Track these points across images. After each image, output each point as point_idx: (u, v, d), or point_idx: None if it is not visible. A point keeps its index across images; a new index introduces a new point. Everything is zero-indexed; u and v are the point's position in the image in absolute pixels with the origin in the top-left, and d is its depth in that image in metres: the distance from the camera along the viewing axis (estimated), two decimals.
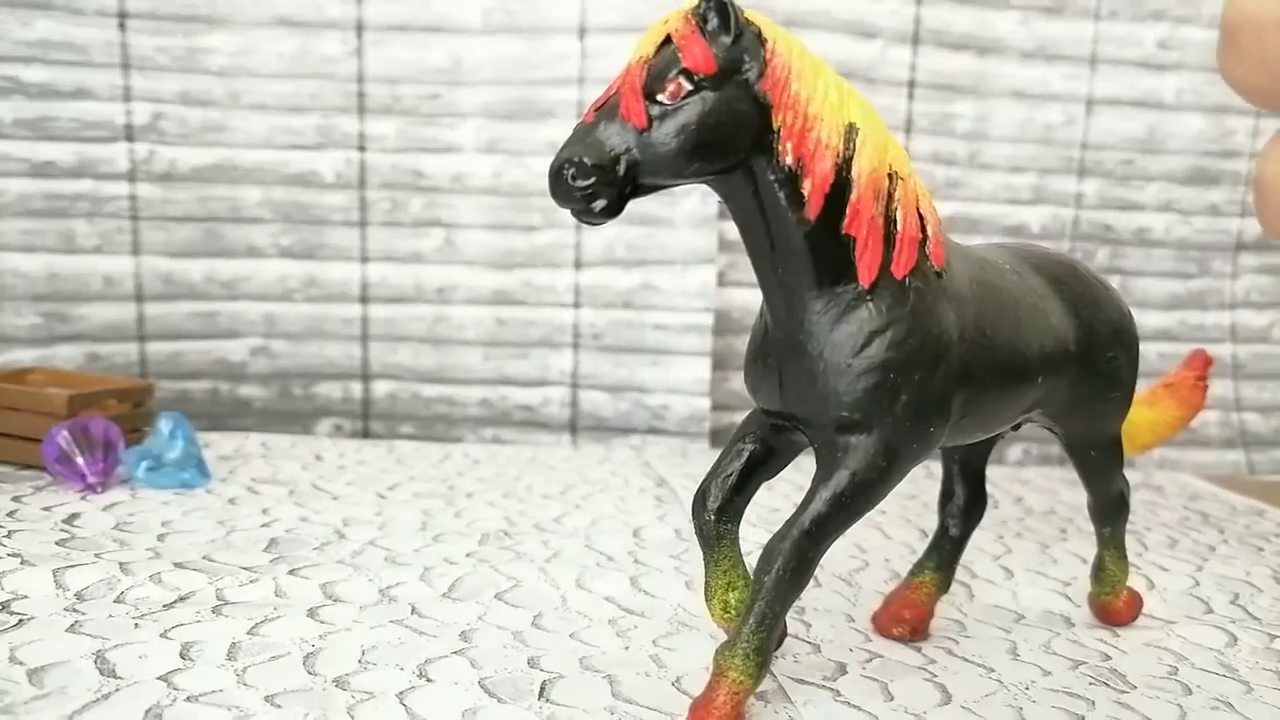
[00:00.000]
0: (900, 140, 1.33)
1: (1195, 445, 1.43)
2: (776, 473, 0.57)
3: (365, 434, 1.30)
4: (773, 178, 0.49)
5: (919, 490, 1.08)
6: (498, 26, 1.24)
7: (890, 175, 0.51)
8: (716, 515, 0.56)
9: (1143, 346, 1.36)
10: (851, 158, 0.49)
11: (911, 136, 1.33)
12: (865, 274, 0.50)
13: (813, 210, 0.49)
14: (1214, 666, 0.66)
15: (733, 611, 0.56)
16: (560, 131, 1.25)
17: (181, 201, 1.24)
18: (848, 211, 0.49)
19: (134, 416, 1.01)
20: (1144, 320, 1.41)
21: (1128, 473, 1.11)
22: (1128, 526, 0.98)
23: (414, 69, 1.25)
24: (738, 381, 1.29)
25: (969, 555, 0.85)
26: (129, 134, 1.22)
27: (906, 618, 0.67)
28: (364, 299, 1.29)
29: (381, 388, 1.30)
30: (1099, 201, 1.38)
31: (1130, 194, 1.39)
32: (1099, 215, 1.39)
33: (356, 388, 1.30)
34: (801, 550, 0.50)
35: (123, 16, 1.20)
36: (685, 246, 1.26)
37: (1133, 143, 1.37)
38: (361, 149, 1.26)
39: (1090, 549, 0.72)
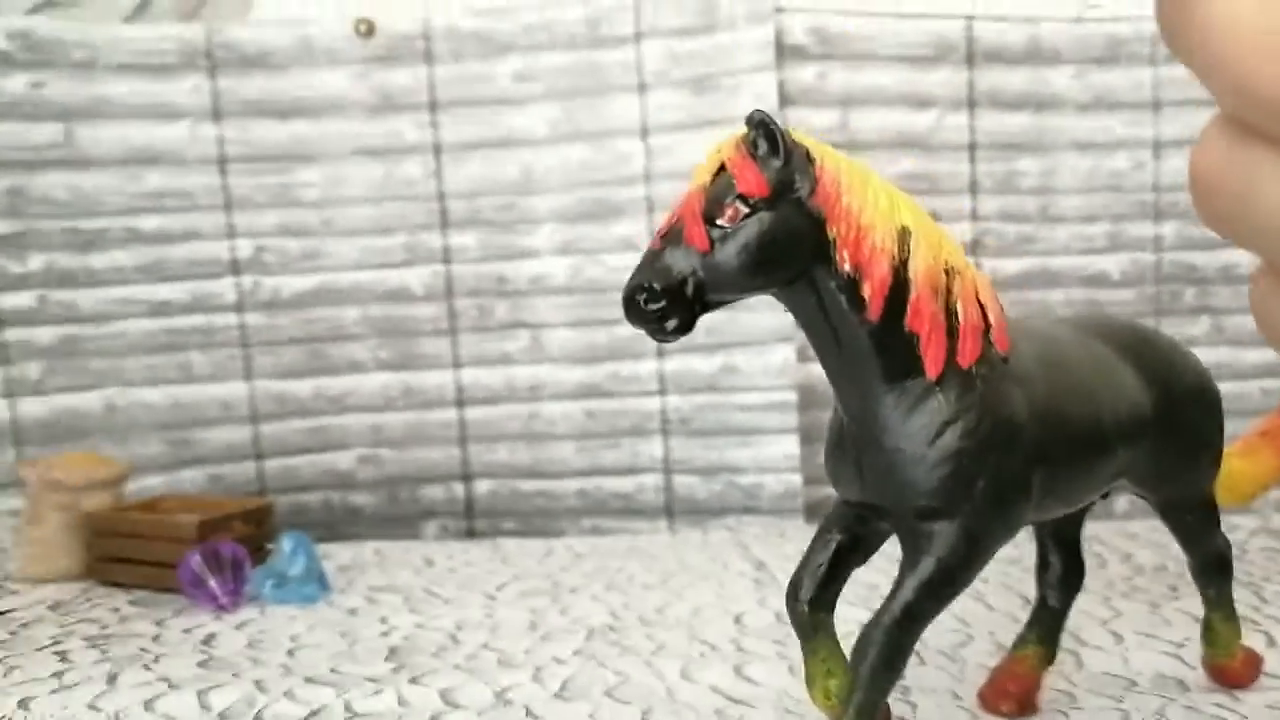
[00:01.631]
0: (968, 202, 1.35)
1: None
2: (865, 560, 0.59)
3: (470, 533, 1.35)
4: (833, 284, 0.51)
5: (1021, 554, 1.06)
6: (564, 135, 1.31)
7: (947, 271, 0.53)
8: (810, 606, 0.57)
9: (1244, 385, 1.35)
10: (907, 259, 0.52)
11: (978, 198, 1.34)
12: (932, 366, 0.52)
13: (874, 311, 0.51)
14: None
15: (834, 698, 0.57)
16: (630, 228, 1.30)
17: (286, 326, 1.33)
18: (909, 309, 0.52)
19: (258, 536, 1.08)
20: (1241, 358, 1.38)
21: (1246, 519, 1.08)
22: (1244, 577, 0.96)
23: (489, 182, 1.32)
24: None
25: (1076, 621, 0.84)
26: (235, 268, 1.32)
27: (1012, 692, 0.67)
28: (459, 403, 1.35)
29: (482, 486, 1.35)
30: (1179, 243, 1.37)
31: (1210, 232, 1.37)
32: (1181, 256, 1.37)
33: (459, 488, 1.35)
34: (893, 639, 0.52)
35: (223, 161, 1.30)
36: (763, 326, 1.29)
37: None
38: (446, 261, 1.33)
39: (1202, 606, 0.71)
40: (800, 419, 1.30)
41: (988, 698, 0.67)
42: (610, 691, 0.73)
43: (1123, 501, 1.35)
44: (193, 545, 0.98)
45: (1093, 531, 1.17)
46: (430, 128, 1.32)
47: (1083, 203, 1.35)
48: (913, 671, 0.74)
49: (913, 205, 0.53)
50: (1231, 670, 0.70)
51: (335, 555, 1.16)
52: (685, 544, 1.19)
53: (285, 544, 0.99)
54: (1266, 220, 0.17)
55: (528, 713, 0.70)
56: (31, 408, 1.27)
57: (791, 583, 0.58)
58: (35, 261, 1.25)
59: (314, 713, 0.70)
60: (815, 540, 0.59)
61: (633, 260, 0.54)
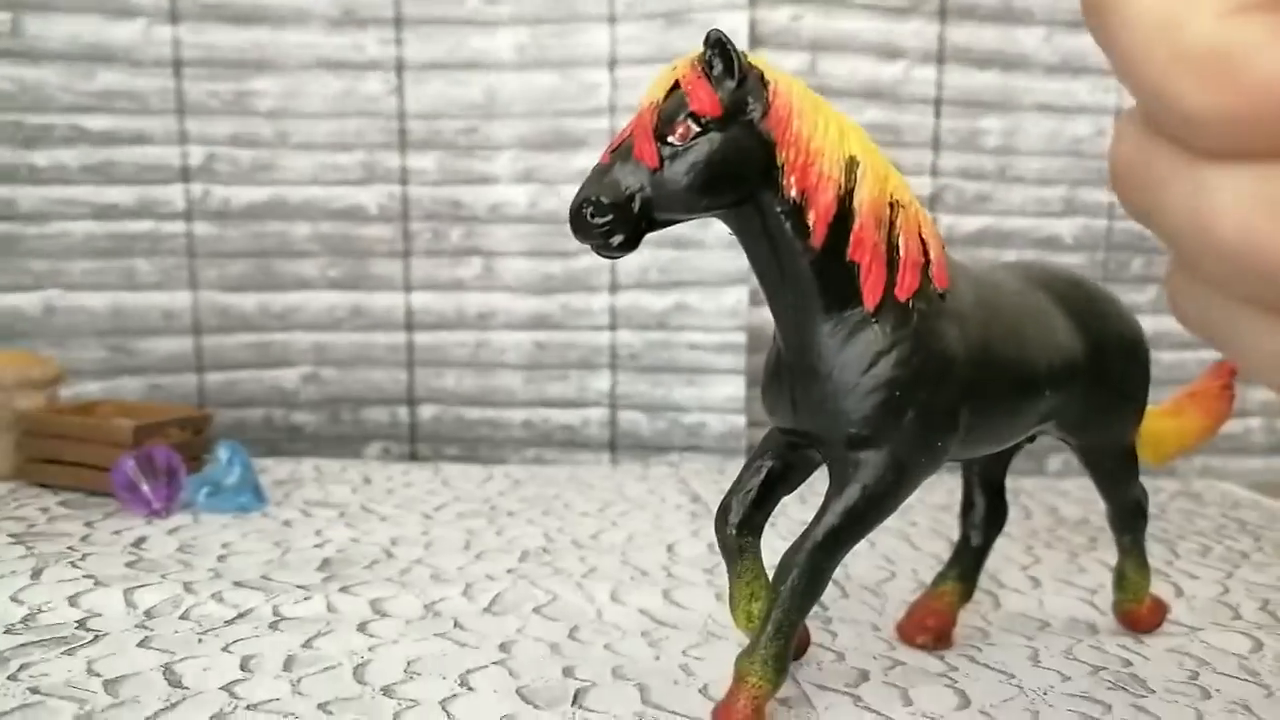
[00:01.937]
0: (929, 156, 1.36)
1: (1239, 452, 1.42)
2: (795, 488, 0.60)
3: (412, 456, 1.35)
4: (779, 210, 0.52)
5: (951, 501, 1.09)
6: (530, 61, 1.29)
7: (892, 204, 0.53)
8: (737, 530, 0.58)
9: (1183, 355, 1.38)
10: (853, 189, 0.52)
11: (940, 153, 1.35)
12: (870, 297, 0.53)
13: (818, 239, 0.52)
14: (1236, 671, 0.67)
15: (755, 621, 0.58)
16: (591, 160, 1.28)
17: (235, 238, 1.30)
18: (851, 239, 0.52)
19: (194, 444, 1.07)
20: (1182, 328, 1.41)
21: (1167, 481, 1.12)
22: (1160, 534, 0.99)
23: (451, 104, 1.30)
24: None
25: (996, 564, 0.87)
26: (185, 175, 1.29)
27: (930, 626, 0.69)
28: (409, 326, 1.34)
29: (427, 411, 1.35)
30: None
31: None
32: (1132, 225, 1.39)
33: (403, 412, 1.35)
34: (815, 562, 0.53)
35: (178, 64, 1.26)
36: (717, 268, 1.29)
37: None
38: (403, 183, 1.31)
39: None
40: (748, 361, 1.31)
41: (905, 630, 0.69)
42: (539, 609, 0.74)
43: (1055, 460, 1.39)
44: (128, 450, 0.97)
45: (1023, 486, 1.20)
46: (394, 44, 1.29)
47: (1042, 165, 1.37)
48: (836, 603, 0.76)
49: (862, 137, 0.54)
50: (1139, 615, 0.72)
51: (273, 470, 1.15)
52: (626, 476, 1.20)
53: (221, 453, 0.98)
54: (1174, 218, 0.17)
55: (455, 624, 0.70)
56: None
57: (721, 507, 0.59)
58: None
59: (241, 615, 0.71)
60: (746, 466, 0.60)
61: None
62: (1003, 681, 0.64)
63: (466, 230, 1.32)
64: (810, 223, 0.51)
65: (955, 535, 0.95)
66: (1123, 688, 0.63)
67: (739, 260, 1.29)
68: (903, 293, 0.53)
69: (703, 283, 1.30)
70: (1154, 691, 0.63)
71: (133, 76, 1.25)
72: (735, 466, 1.27)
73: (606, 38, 1.28)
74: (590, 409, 1.34)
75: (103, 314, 1.28)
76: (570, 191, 1.28)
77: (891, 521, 1.01)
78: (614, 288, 1.32)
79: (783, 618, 0.53)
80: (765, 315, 1.34)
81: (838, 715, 0.58)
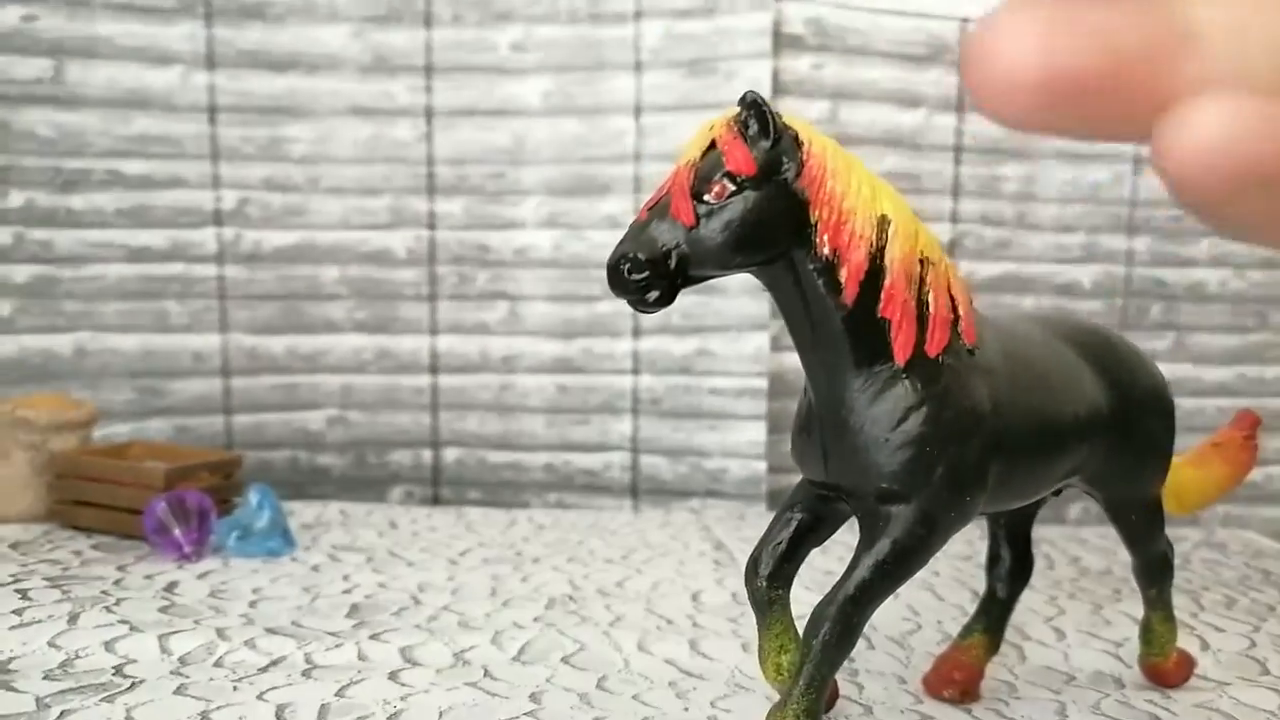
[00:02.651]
0: (948, 203, 1.37)
1: (1262, 501, 1.42)
2: (824, 540, 0.61)
3: (435, 500, 1.36)
4: (812, 267, 0.53)
5: (974, 551, 1.09)
6: (557, 108, 1.31)
7: (922, 261, 0.54)
8: (767, 582, 0.59)
9: (1202, 401, 1.38)
10: (884, 246, 0.53)
11: (959, 199, 1.36)
12: (900, 353, 0.54)
13: (849, 296, 0.53)
14: None
15: (785, 674, 0.59)
16: (616, 206, 1.31)
17: (264, 281, 1.33)
18: (882, 296, 0.53)
19: (224, 488, 1.08)
20: (1201, 375, 1.42)
21: (1190, 530, 1.12)
22: (1184, 585, 0.99)
23: (479, 150, 1.32)
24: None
25: (1021, 616, 0.87)
26: (218, 219, 1.31)
27: (956, 679, 0.69)
28: (433, 369, 1.35)
29: (450, 454, 1.36)
30: (1151, 258, 1.40)
31: (1182, 249, 1.40)
32: (1151, 272, 1.40)
33: (427, 455, 1.36)
34: (846, 615, 0.54)
35: (213, 110, 1.29)
36: (739, 313, 1.31)
37: None
38: (431, 227, 1.33)
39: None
40: (769, 406, 1.32)
41: (932, 683, 0.70)
42: (568, 658, 0.75)
43: (1075, 508, 1.39)
44: (159, 493, 0.99)
45: (1044, 535, 1.20)
46: (424, 91, 1.31)
47: (1060, 212, 1.38)
48: (862, 655, 0.76)
49: (893, 195, 0.55)
50: (1165, 670, 0.72)
51: (300, 513, 1.16)
52: (648, 522, 1.21)
53: (251, 496, 0.99)
54: None
55: (486, 673, 0.71)
56: (1, 345, 1.26)
57: (751, 558, 0.60)
58: (15, 198, 1.24)
59: (274, 662, 0.71)
60: (776, 518, 0.60)
61: (617, 238, 0.55)
62: None
63: (492, 274, 1.34)
64: (842, 280, 0.53)
65: (978, 586, 0.96)
66: None
67: (761, 305, 1.30)
68: (933, 349, 0.54)
69: (725, 328, 1.31)
70: None
71: (169, 122, 1.28)
72: (756, 512, 1.29)
73: (632, 85, 1.30)
74: (612, 453, 1.35)
75: (133, 355, 1.30)
76: (595, 236, 1.32)
77: None
78: (637, 332, 1.33)
79: (815, 671, 0.54)
80: (787, 361, 1.36)
81: None
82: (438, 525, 1.15)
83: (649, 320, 1.33)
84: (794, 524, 0.60)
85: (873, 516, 0.55)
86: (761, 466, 1.32)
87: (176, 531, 0.95)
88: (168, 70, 1.28)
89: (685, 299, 1.44)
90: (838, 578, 0.56)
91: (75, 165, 1.26)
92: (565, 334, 1.34)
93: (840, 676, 0.72)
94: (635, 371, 1.34)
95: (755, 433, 1.32)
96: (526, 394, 1.35)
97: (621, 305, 1.32)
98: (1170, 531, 0.73)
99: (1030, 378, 0.59)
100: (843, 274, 0.53)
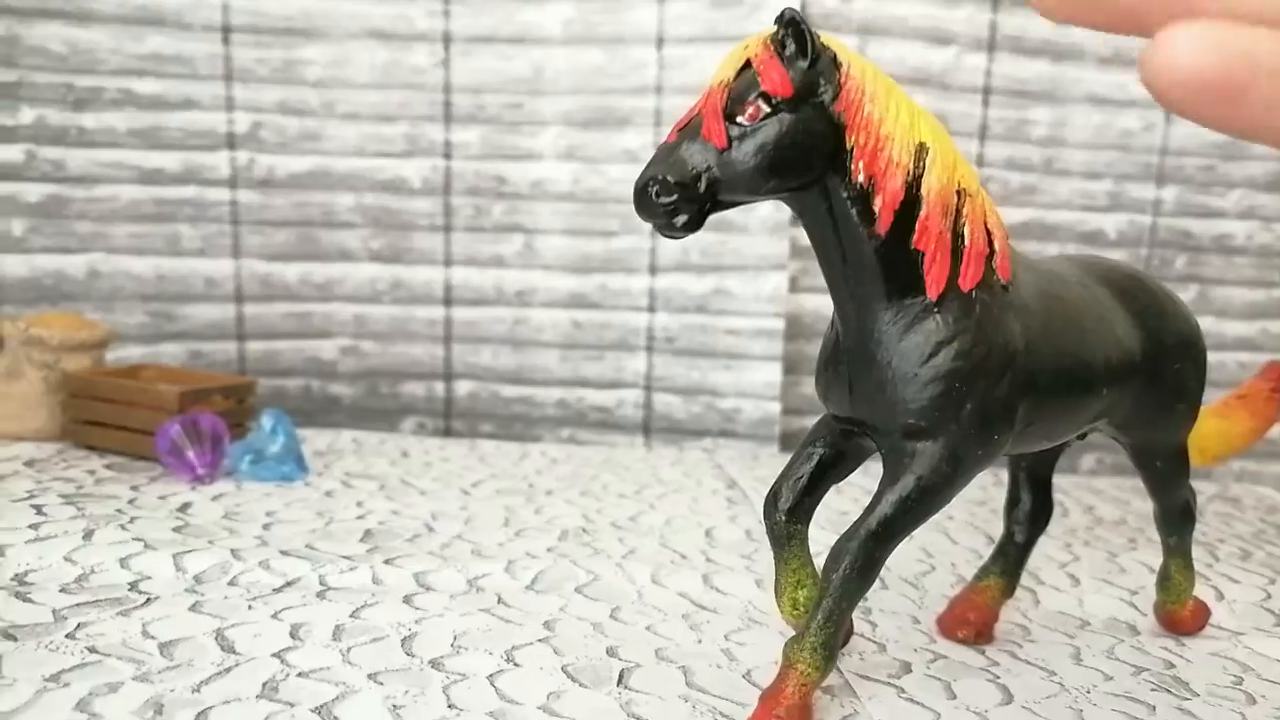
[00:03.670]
0: (975, 146, 1.35)
1: (1276, 458, 1.41)
2: (845, 476, 0.60)
3: (447, 432, 1.36)
4: (845, 195, 0.51)
5: (988, 497, 1.09)
6: (578, 37, 1.28)
7: (959, 192, 0.53)
8: (787, 516, 0.58)
9: (1223, 355, 1.37)
10: (921, 175, 0.51)
11: (986, 143, 1.33)
12: (933, 287, 0.52)
13: (883, 225, 0.51)
14: None
15: (801, 608, 0.58)
16: (636, 140, 1.29)
17: (279, 207, 1.31)
18: (917, 227, 0.52)
19: (238, 412, 1.08)
20: (1224, 329, 1.40)
21: (1205, 484, 1.11)
22: (1200, 537, 0.99)
23: (497, 79, 1.30)
24: (808, 386, 1.31)
25: (1036, 562, 0.86)
26: (231, 142, 1.29)
27: (971, 620, 0.69)
28: (447, 301, 1.34)
29: (463, 387, 1.36)
30: (1178, 208, 1.37)
31: (1210, 200, 1.37)
32: (1178, 222, 1.37)
33: (439, 387, 1.36)
34: (868, 551, 0.53)
35: (227, 30, 1.27)
36: (758, 252, 1.29)
37: (1213, 149, 1.35)
38: (447, 156, 1.31)
39: (1159, 558, 0.73)
40: (785, 348, 1.31)
41: (946, 623, 0.69)
42: (581, 588, 0.75)
43: (1089, 459, 1.38)
44: (173, 415, 0.99)
45: (1058, 484, 1.19)
46: (442, 16, 1.28)
47: (1089, 158, 1.35)
48: (876, 595, 0.76)
49: (933, 123, 0.53)
50: (1180, 617, 0.72)
51: (312, 440, 1.16)
52: (660, 459, 1.21)
53: (265, 421, 0.99)
54: None
55: (499, 600, 0.71)
56: (12, 265, 1.25)
57: (771, 492, 0.59)
58: (25, 114, 1.23)
59: (289, 583, 0.72)
60: (798, 452, 0.59)
61: (636, 173, 0.53)
62: (1045, 679, 0.64)
63: (508, 206, 1.32)
64: (876, 209, 0.51)
65: (992, 530, 0.95)
66: (1166, 690, 0.63)
67: (780, 245, 1.29)
68: (966, 283, 0.53)
69: (743, 267, 1.30)
70: (1198, 695, 0.63)
71: (182, 41, 1.26)
72: (769, 453, 1.28)
73: (655, 16, 1.27)
74: (625, 390, 1.34)
75: (146, 279, 1.29)
76: (613, 171, 1.30)
77: None
78: (653, 269, 1.31)
79: (833, 606, 0.53)
80: (805, 302, 1.35)
81: (882, 706, 0.58)
82: (450, 456, 1.14)
83: (666, 258, 1.31)
84: (815, 459, 0.59)
85: (897, 453, 0.54)
86: (776, 408, 1.31)
87: (190, 453, 0.95)
88: None
89: (704, 236, 1.41)
90: (853, 518, 0.55)
91: (87, 83, 1.24)
92: (581, 269, 1.32)
93: (855, 615, 0.72)
94: (651, 309, 1.32)
95: (770, 374, 1.31)
96: (541, 329, 1.34)
97: (639, 242, 1.31)
98: None
99: (1064, 318, 0.58)
100: (877, 203, 0.51)
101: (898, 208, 0.51)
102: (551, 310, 1.34)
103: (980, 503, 1.06)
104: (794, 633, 0.56)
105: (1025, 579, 0.82)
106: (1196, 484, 1.21)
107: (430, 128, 1.31)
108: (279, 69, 1.28)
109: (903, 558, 0.85)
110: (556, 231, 1.32)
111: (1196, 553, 0.94)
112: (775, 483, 0.59)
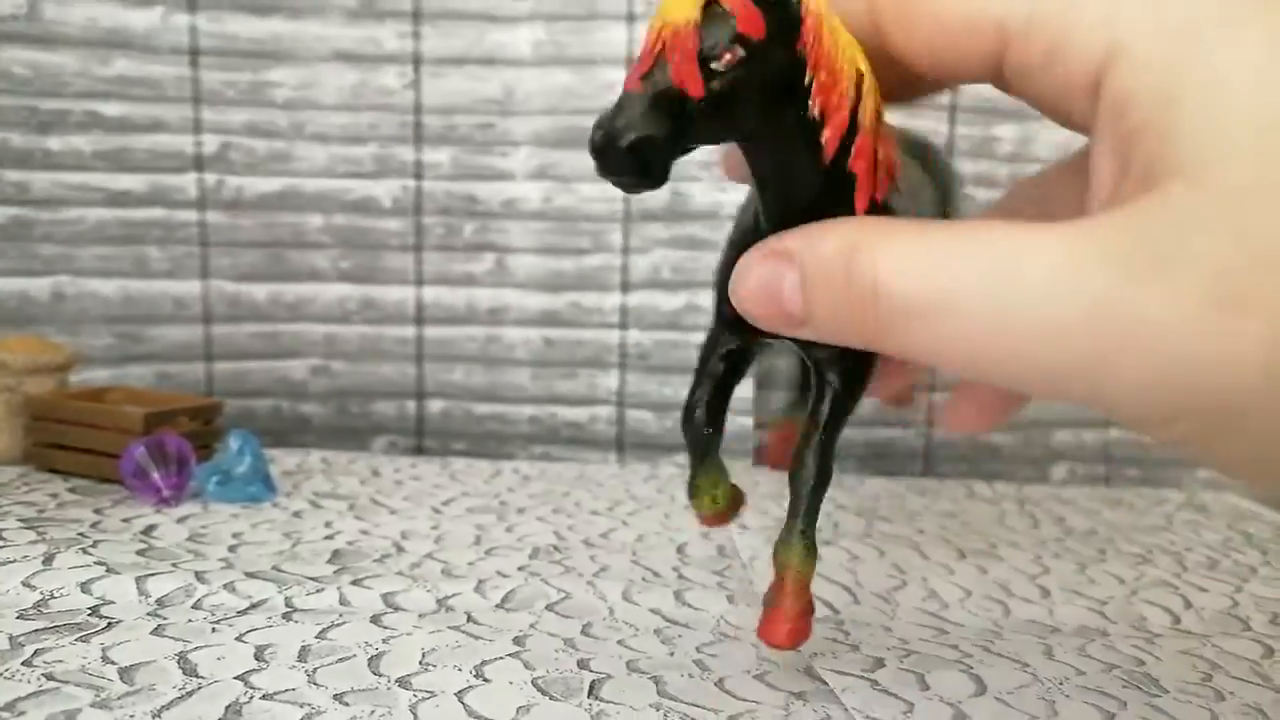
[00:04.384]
0: None
1: None
2: (743, 378, 0.63)
3: (419, 450, 1.35)
4: (798, 127, 0.49)
5: (959, 510, 1.09)
6: (548, 58, 1.29)
7: (877, 112, 0.53)
8: (707, 424, 0.62)
9: None
10: (859, 102, 0.50)
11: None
12: (862, 202, 0.52)
13: (829, 154, 0.50)
14: (1249, 676, 0.67)
15: (719, 502, 0.63)
16: None
17: (247, 228, 1.30)
18: (853, 150, 0.51)
19: (205, 433, 1.07)
20: None
21: (1173, 492, 1.11)
22: (1168, 546, 0.99)
23: (468, 99, 1.30)
24: (779, 400, 1.31)
25: (1005, 574, 0.87)
26: (199, 164, 1.29)
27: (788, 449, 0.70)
28: (419, 320, 1.34)
29: (435, 406, 1.35)
30: None
31: None
32: None
33: (411, 406, 1.35)
34: (823, 446, 0.57)
35: (194, 53, 1.26)
36: None
37: None
38: (418, 177, 1.31)
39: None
40: (757, 363, 1.31)
41: (779, 457, 0.73)
42: (552, 606, 0.74)
43: (1060, 469, 1.39)
44: (138, 437, 0.97)
45: (1029, 495, 1.20)
46: (411, 38, 1.29)
47: None
48: (849, 608, 0.76)
49: (860, 47, 0.52)
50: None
51: (281, 460, 1.15)
52: (634, 475, 1.20)
53: (232, 442, 0.98)
54: None
55: (469, 618, 0.70)
56: None
57: (687, 408, 0.62)
58: None
59: (254, 605, 0.70)
60: (702, 370, 0.62)
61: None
62: (1018, 670, 0.64)
63: (479, 225, 1.32)
64: (823, 140, 0.50)
65: (963, 544, 0.96)
66: (1137, 686, 0.63)
67: None
68: (880, 194, 0.53)
69: (713, 282, 1.30)
70: (1168, 691, 0.63)
71: (149, 64, 1.25)
72: (742, 468, 1.28)
73: (624, 36, 1.28)
74: (598, 407, 1.34)
75: (113, 301, 1.28)
76: (584, 190, 1.30)
77: (899, 530, 1.01)
78: (625, 287, 1.32)
79: (812, 499, 0.57)
80: None
81: (856, 696, 0.58)
82: (421, 474, 1.14)
83: (638, 275, 1.31)
84: (719, 372, 0.61)
85: (821, 363, 0.57)
86: (748, 422, 1.31)
87: (155, 475, 0.93)
88: (148, 11, 1.25)
89: (675, 253, 1.41)
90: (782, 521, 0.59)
91: (52, 106, 1.23)
92: (553, 287, 1.32)
93: (826, 626, 0.72)
94: (623, 326, 1.32)
95: (743, 389, 1.31)
96: (513, 346, 1.34)
97: (611, 259, 1.31)
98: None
99: (916, 202, 0.62)
100: (825, 134, 0.50)
101: (842, 135, 0.51)
102: (524, 328, 1.33)
103: (951, 515, 1.07)
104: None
105: (995, 591, 0.83)
106: (1164, 492, 1.22)
107: (400, 148, 1.30)
108: (247, 91, 1.28)
109: (874, 574, 0.85)
110: (528, 250, 1.32)
111: (1164, 561, 0.95)
112: (689, 398, 0.62)
